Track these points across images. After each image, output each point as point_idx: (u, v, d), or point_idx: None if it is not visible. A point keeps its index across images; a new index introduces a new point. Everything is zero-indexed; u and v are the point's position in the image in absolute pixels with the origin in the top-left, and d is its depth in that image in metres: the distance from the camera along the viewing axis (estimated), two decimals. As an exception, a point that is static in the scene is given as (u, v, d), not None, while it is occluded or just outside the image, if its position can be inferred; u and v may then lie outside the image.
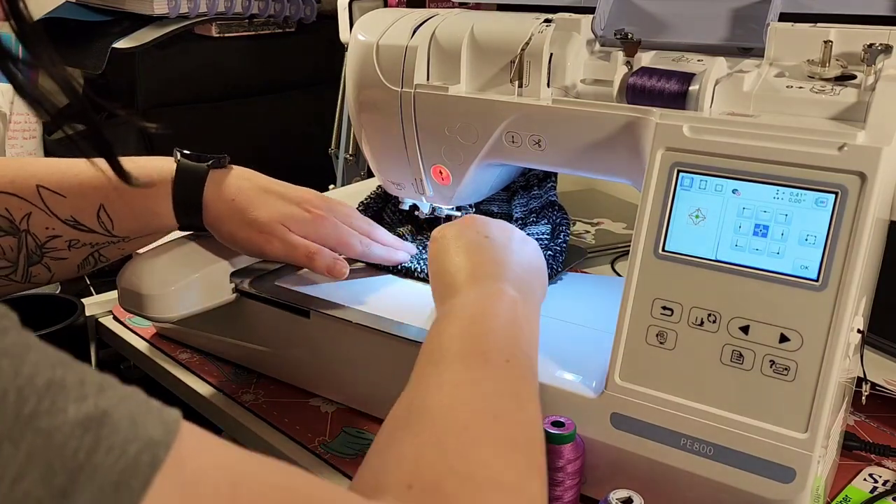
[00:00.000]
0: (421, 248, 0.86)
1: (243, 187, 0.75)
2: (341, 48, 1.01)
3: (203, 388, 0.80)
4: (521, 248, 0.66)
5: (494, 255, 0.62)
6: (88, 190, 0.70)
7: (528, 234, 0.82)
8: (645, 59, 0.66)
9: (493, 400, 0.48)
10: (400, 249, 0.81)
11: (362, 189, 0.94)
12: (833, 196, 0.53)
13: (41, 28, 0.43)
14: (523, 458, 0.45)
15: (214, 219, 0.74)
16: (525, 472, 0.45)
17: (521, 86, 0.70)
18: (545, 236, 0.81)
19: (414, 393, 0.50)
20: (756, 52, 0.66)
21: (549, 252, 0.80)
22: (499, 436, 0.45)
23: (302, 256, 0.74)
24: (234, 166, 0.77)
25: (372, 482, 0.43)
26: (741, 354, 0.55)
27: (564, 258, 0.82)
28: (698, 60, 0.65)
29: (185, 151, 0.75)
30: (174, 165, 0.74)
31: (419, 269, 0.81)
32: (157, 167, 0.74)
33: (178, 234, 0.79)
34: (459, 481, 0.41)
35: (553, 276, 0.81)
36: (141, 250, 0.79)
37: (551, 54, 0.69)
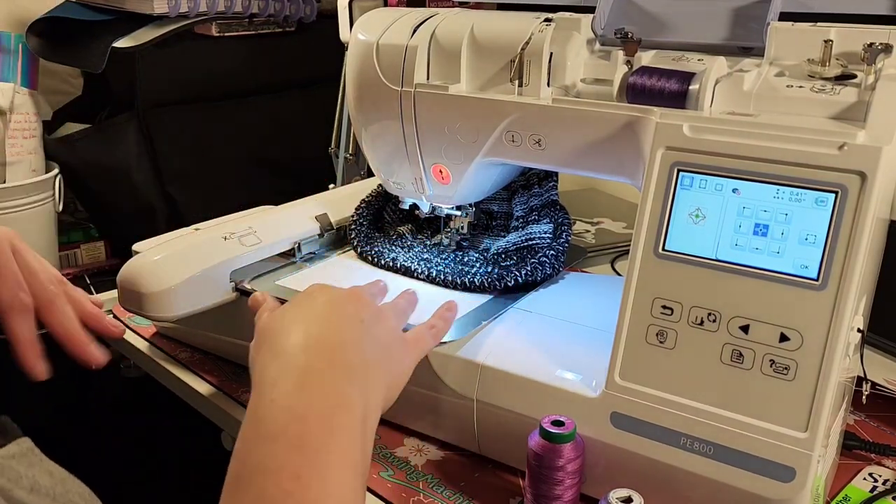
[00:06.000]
0: (421, 247, 0.86)
1: None
2: (341, 48, 1.01)
3: (203, 388, 0.80)
4: (385, 335, 0.56)
5: (357, 345, 0.53)
6: None
7: (529, 232, 0.82)
8: (645, 58, 0.66)
9: None
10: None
11: (362, 188, 0.94)
12: (833, 195, 0.53)
13: None
14: None
15: None
16: None
17: (521, 85, 0.70)
18: (547, 235, 0.81)
19: None
20: (756, 51, 0.66)
21: (552, 251, 0.80)
22: None
23: None
24: None
25: None
26: (741, 354, 0.55)
27: (565, 258, 0.82)
28: (698, 60, 0.65)
29: None
30: None
31: (419, 270, 0.81)
32: None
33: (177, 232, 0.79)
34: None
35: (554, 275, 0.81)
36: (141, 249, 0.79)
37: (551, 53, 0.69)
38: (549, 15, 0.72)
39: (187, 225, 0.90)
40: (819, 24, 0.63)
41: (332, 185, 1.10)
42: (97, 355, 0.65)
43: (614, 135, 0.64)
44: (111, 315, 0.93)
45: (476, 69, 0.73)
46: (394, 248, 0.86)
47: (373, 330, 0.55)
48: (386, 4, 1.13)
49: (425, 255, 0.84)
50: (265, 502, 0.42)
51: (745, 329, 0.55)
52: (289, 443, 0.44)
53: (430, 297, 0.74)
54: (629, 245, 0.60)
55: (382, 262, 0.84)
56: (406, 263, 0.83)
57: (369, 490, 0.64)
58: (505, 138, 0.71)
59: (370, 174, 0.98)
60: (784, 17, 0.66)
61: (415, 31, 0.75)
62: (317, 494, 0.43)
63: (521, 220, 0.84)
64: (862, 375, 0.62)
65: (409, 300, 0.66)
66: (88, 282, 1.16)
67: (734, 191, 0.56)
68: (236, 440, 0.46)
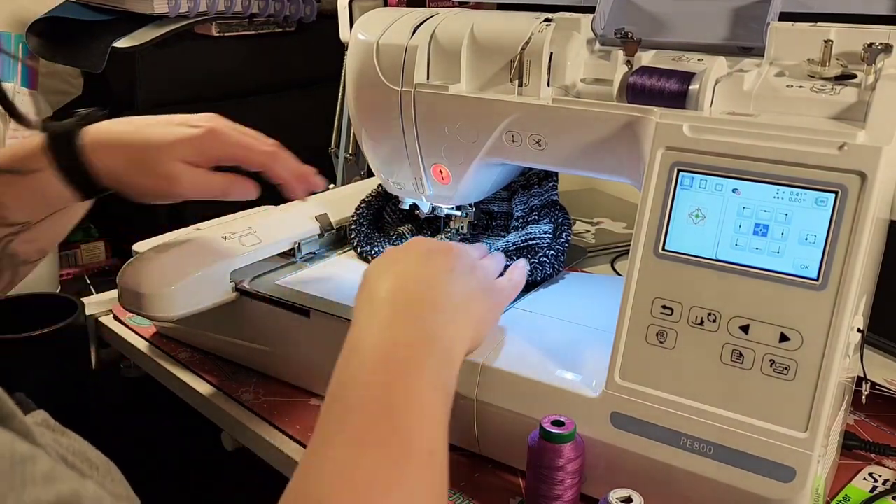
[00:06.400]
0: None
1: (130, 123, 0.73)
2: (341, 48, 1.01)
3: (203, 388, 0.80)
4: (474, 282, 0.60)
5: (446, 289, 0.57)
6: None
7: (529, 232, 0.82)
8: (645, 58, 0.66)
9: None
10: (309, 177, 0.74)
11: (362, 188, 0.94)
12: (833, 195, 0.53)
13: None
14: None
15: (108, 170, 0.69)
16: None
17: (521, 85, 0.70)
18: (547, 235, 0.82)
19: (317, 482, 0.43)
20: (756, 51, 0.66)
21: (552, 251, 0.80)
22: None
23: (217, 190, 0.71)
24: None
25: None
26: (741, 354, 0.55)
27: (565, 258, 0.82)
28: (698, 60, 0.65)
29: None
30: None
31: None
32: (27, 141, 0.69)
33: (177, 232, 0.79)
34: None
35: (554, 275, 0.81)
36: (141, 249, 0.79)
37: (551, 53, 0.69)
38: (549, 15, 0.72)
39: (187, 225, 0.90)
40: (819, 24, 0.63)
41: (332, 185, 1.10)
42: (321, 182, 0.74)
43: (614, 135, 0.64)
44: (112, 316, 0.94)
45: (476, 69, 0.73)
46: (394, 248, 0.86)
47: (460, 277, 0.59)
48: (386, 4, 1.13)
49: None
50: (354, 409, 0.47)
51: (745, 329, 0.55)
52: (377, 362, 0.50)
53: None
54: (629, 245, 0.60)
55: (382, 262, 0.84)
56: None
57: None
58: (505, 138, 0.71)
59: (370, 174, 0.98)
60: (784, 17, 0.66)
61: (415, 31, 0.75)
62: (402, 402, 0.47)
63: (521, 220, 0.84)
64: (862, 375, 0.62)
65: (498, 261, 0.70)
66: (88, 282, 1.16)
67: (734, 191, 0.56)
68: (333, 374, 0.50)
